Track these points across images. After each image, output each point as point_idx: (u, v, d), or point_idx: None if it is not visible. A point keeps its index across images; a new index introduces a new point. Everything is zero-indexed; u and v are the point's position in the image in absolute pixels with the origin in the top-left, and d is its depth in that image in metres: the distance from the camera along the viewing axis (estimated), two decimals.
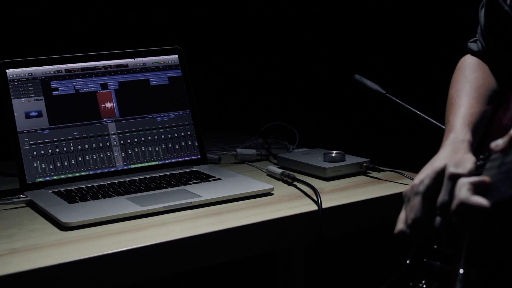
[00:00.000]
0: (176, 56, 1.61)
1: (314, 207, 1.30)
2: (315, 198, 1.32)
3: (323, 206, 1.29)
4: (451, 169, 0.94)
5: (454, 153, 0.99)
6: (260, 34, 2.27)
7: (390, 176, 1.49)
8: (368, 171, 1.53)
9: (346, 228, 1.37)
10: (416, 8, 1.98)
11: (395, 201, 1.12)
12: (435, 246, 1.04)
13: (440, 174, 0.96)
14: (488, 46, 1.20)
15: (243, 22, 2.26)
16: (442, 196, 0.93)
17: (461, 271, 0.93)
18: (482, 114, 1.11)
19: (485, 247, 0.93)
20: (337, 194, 1.38)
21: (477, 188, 0.87)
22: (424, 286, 1.02)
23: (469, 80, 1.17)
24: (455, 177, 0.92)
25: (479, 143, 1.08)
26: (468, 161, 0.96)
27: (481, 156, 0.96)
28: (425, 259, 1.04)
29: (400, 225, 0.99)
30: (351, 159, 1.53)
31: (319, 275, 2.05)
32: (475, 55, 1.23)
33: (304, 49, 2.22)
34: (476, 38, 1.24)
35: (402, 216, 0.99)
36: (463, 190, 0.87)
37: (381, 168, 1.52)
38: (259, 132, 1.79)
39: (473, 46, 1.24)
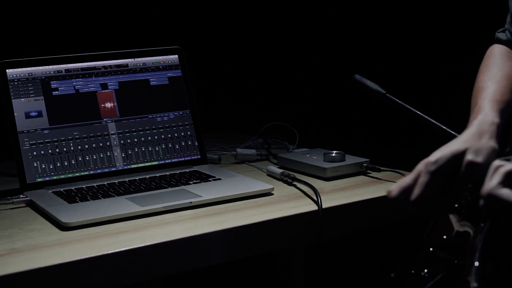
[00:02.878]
0: (176, 56, 1.61)
1: (314, 207, 1.30)
2: (315, 198, 1.32)
3: (323, 206, 1.29)
4: (470, 156, 0.92)
5: (478, 137, 0.97)
6: (260, 34, 2.27)
7: (390, 176, 1.50)
8: (368, 171, 1.53)
9: (346, 228, 1.36)
10: (416, 8, 1.98)
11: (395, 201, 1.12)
12: (444, 237, 1.03)
13: (457, 157, 0.94)
14: None
15: (243, 22, 2.26)
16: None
17: (476, 263, 0.92)
18: (510, 103, 1.08)
19: (503, 240, 0.92)
20: (337, 194, 1.38)
21: (509, 179, 0.84)
22: (427, 275, 1.01)
23: (500, 68, 1.15)
24: (472, 166, 0.91)
25: (503, 133, 1.06)
26: (490, 150, 0.93)
27: (509, 149, 0.95)
28: (431, 249, 1.03)
29: (395, 189, 0.97)
30: (351, 159, 1.53)
31: (319, 275, 2.05)
32: (504, 44, 1.22)
33: (304, 49, 2.21)
34: (504, 28, 1.24)
35: (404, 181, 0.97)
36: (494, 180, 0.85)
37: (381, 168, 1.52)
38: (259, 132, 1.79)
39: (501, 35, 1.24)
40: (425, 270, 1.01)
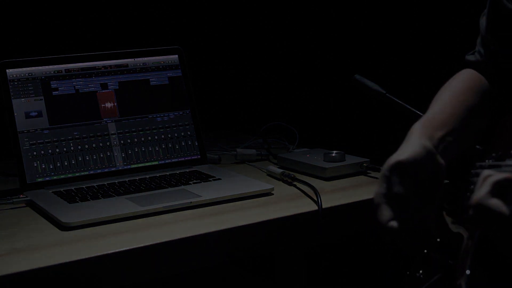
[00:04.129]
0: (176, 56, 1.61)
1: (314, 207, 1.30)
2: (315, 198, 1.31)
3: (323, 206, 1.29)
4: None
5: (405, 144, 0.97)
6: (260, 34, 2.27)
7: None
8: (368, 171, 1.53)
9: (346, 228, 1.36)
10: (416, 8, 1.98)
11: None
12: (438, 239, 1.03)
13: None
14: (488, 52, 1.18)
15: (243, 22, 2.26)
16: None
17: (468, 272, 0.92)
18: (449, 117, 1.05)
19: (494, 248, 0.92)
20: (337, 194, 1.38)
21: (498, 189, 0.83)
22: (422, 276, 1.01)
23: (450, 89, 1.13)
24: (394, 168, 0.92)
25: (486, 142, 1.06)
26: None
27: (493, 155, 0.95)
28: (425, 250, 1.03)
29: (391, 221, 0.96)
30: (351, 159, 1.53)
31: (319, 275, 2.05)
32: (472, 66, 1.20)
33: (304, 49, 2.22)
34: (474, 51, 1.23)
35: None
36: (483, 190, 0.84)
37: (381, 168, 1.51)
38: (259, 132, 1.79)
39: (470, 57, 1.21)
40: (420, 271, 1.01)
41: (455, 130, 1.03)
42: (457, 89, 1.13)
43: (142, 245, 1.13)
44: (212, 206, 1.32)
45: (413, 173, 0.93)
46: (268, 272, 1.90)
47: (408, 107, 1.50)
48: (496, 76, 1.17)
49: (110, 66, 1.55)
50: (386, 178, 0.94)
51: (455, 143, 1.02)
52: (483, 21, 1.19)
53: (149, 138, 1.54)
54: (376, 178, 1.49)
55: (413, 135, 0.99)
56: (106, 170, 1.49)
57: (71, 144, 1.47)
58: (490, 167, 0.92)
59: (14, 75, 1.46)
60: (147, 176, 1.48)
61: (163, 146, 1.55)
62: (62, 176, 1.45)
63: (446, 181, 0.97)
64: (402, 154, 0.94)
